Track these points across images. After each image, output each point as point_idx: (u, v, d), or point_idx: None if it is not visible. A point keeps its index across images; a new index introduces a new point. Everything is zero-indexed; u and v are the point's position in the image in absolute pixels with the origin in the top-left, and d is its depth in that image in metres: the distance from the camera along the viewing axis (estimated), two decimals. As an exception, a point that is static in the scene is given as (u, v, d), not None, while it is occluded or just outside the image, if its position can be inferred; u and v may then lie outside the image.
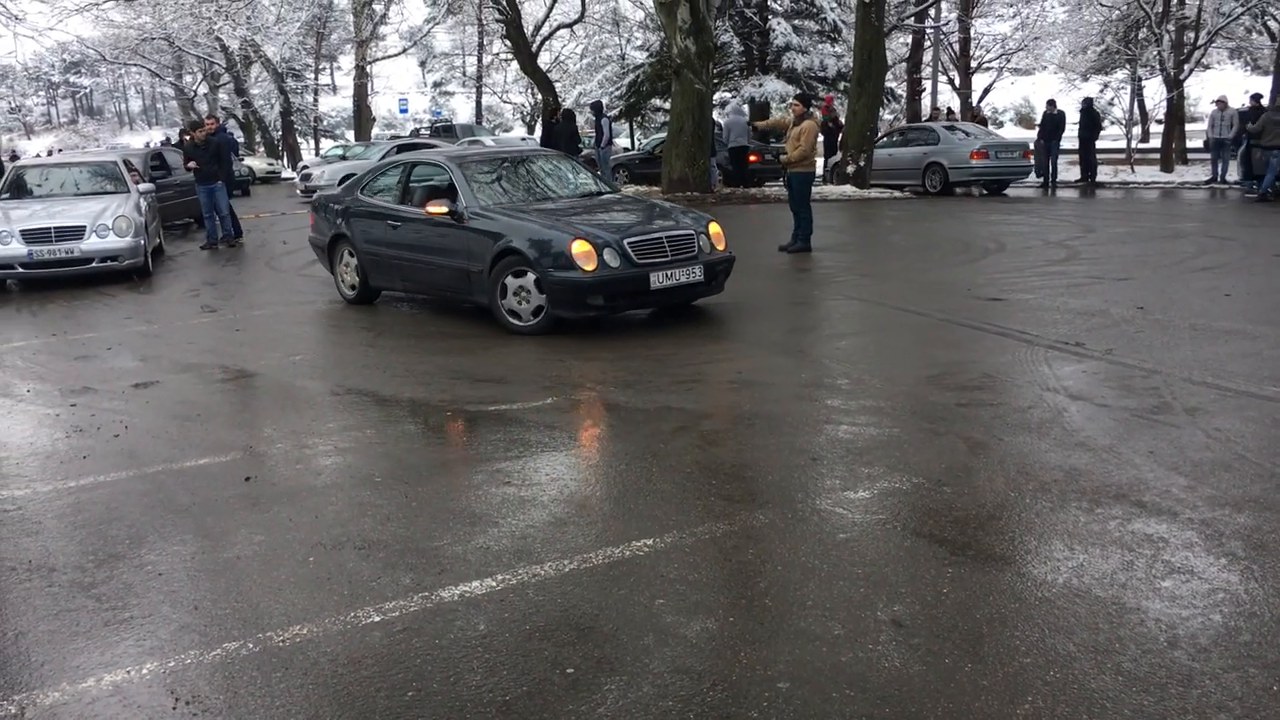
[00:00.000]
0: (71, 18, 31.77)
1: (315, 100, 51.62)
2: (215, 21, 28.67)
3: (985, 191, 22.33)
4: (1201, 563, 3.82)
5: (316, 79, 53.10)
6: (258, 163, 35.88)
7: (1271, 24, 32.30)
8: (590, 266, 8.10)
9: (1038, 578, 3.77)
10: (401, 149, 26.49)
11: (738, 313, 9.02)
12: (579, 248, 8.11)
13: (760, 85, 30.67)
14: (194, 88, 47.87)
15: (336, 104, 57.56)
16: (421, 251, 9.32)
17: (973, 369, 6.85)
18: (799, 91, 26.43)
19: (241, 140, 36.38)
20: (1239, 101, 23.46)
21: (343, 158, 28.13)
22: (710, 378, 6.96)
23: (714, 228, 8.94)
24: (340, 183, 23.84)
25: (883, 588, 3.75)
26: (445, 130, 43.06)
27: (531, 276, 8.34)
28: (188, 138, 16.68)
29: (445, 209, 8.84)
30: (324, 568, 4.14)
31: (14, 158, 27.91)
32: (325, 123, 54.95)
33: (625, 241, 8.24)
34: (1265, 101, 22.50)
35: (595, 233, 8.28)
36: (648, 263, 8.29)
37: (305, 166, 29.21)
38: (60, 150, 27.31)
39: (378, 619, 3.68)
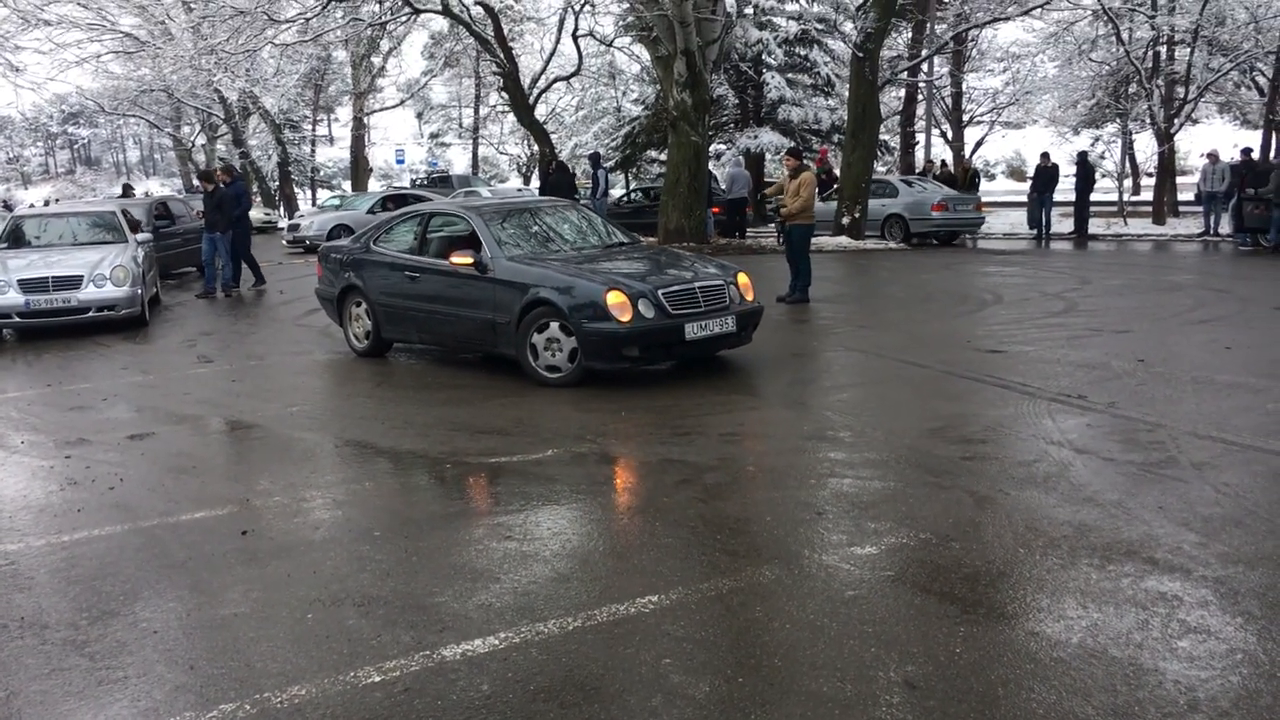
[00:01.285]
0: (71, 69, 32.02)
1: (313, 151, 51.91)
2: (214, 73, 28.85)
3: (936, 242, 22.69)
4: (1217, 622, 3.76)
5: (314, 130, 53.44)
6: (255, 213, 35.96)
7: (1260, 79, 32.67)
8: (626, 317, 7.98)
9: (1051, 637, 3.70)
10: (386, 200, 26.67)
11: (737, 364, 8.98)
12: (614, 298, 8.00)
13: (756, 137, 30.91)
14: (192, 138, 48.15)
15: (334, 155, 57.94)
16: (442, 303, 9.17)
17: (975, 422, 6.81)
18: (792, 144, 26.67)
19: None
20: (1229, 155, 23.64)
21: (336, 208, 28.22)
22: (711, 430, 6.91)
23: (742, 278, 8.90)
24: (329, 234, 24.01)
25: (894, 647, 3.67)
26: (442, 181, 43.32)
27: (563, 327, 8.23)
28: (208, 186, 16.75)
29: (470, 259, 8.71)
30: (323, 625, 4.06)
31: (8, 207, 27.96)
32: (322, 173, 55.23)
33: (660, 292, 8.15)
34: (1255, 155, 22.70)
35: (629, 283, 8.19)
36: (682, 313, 8.20)
37: (300, 215, 29.36)
38: (57, 200, 27.37)
39: (378, 679, 3.60)
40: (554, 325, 8.28)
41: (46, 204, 28.34)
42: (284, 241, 27.37)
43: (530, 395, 8.10)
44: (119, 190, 27.00)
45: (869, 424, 6.88)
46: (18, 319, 12.23)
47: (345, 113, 51.08)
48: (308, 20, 25.64)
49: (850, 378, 8.73)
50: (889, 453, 6.15)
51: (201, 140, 45.91)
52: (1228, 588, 4.04)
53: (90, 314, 12.37)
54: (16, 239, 14.05)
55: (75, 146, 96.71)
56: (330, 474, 6.28)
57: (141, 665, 3.78)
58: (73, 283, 12.37)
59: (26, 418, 8.10)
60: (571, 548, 4.86)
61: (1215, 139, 35.63)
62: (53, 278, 12.37)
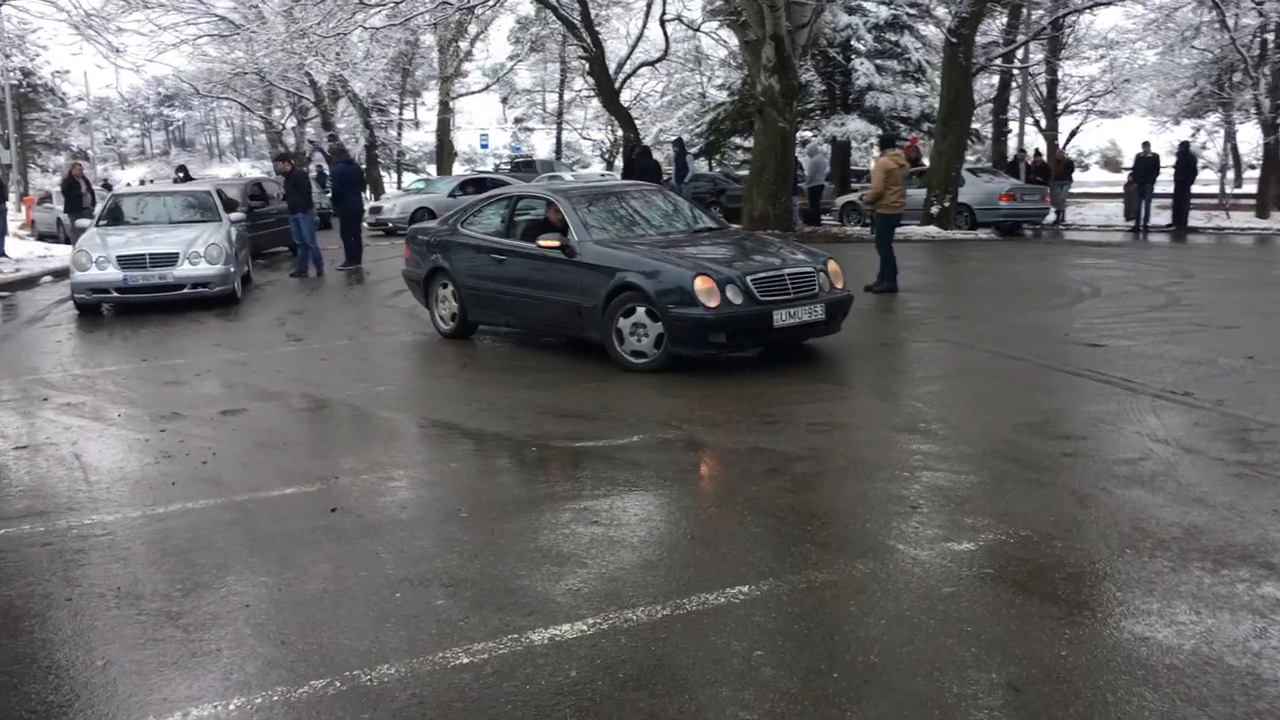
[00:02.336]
0: (169, 51, 32.80)
1: (399, 135, 52.57)
2: (305, 57, 29.25)
3: (996, 235, 22.12)
4: (1343, 633, 3.56)
5: (401, 114, 54.11)
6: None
7: (1374, 68, 31.31)
8: (713, 303, 7.87)
9: (1163, 643, 3.53)
10: (467, 184, 26.87)
11: (825, 353, 8.83)
12: (701, 284, 7.88)
13: (843, 125, 30.46)
14: (282, 121, 49.02)
15: (420, 139, 58.47)
16: (529, 286, 9.14)
17: (1075, 417, 6.59)
18: (881, 132, 26.25)
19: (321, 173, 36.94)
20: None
21: (419, 192, 28.49)
22: (800, 419, 6.78)
23: (832, 265, 8.71)
24: (412, 217, 24.23)
25: (995, 648, 3.54)
26: (525, 165, 43.49)
27: (649, 312, 8.13)
28: (288, 167, 17.21)
29: (557, 242, 8.67)
30: (411, 605, 4.04)
31: (108, 186, 28.70)
32: (408, 157, 55.87)
33: (748, 278, 8.01)
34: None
35: (717, 269, 8.07)
36: (770, 300, 8.05)
37: (383, 198, 29.63)
38: (152, 180, 28.04)
39: (466, 661, 3.57)
40: (640, 310, 8.18)
41: (142, 183, 29.06)
42: (365, 224, 27.53)
43: (615, 380, 8.05)
44: (176, 173, 27.42)
45: (962, 417, 6.70)
46: (116, 294, 12.54)
47: (431, 97, 51.57)
48: (397, 4, 25.88)
49: (941, 369, 8.53)
50: (984, 446, 5.98)
51: (292, 123, 46.70)
52: (1353, 597, 3.83)
53: (185, 290, 12.65)
54: (115, 217, 14.39)
55: (171, 128, 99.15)
56: (416, 454, 6.30)
57: (234, 638, 3.80)
58: (169, 260, 12.65)
59: (123, 391, 8.27)
60: (659, 535, 4.79)
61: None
62: (150, 254, 12.66)
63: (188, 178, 25.54)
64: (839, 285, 8.65)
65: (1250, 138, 30.99)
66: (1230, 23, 25.98)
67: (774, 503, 5.13)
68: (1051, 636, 3.61)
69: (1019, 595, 3.96)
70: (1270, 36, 26.21)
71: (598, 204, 9.34)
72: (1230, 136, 30.45)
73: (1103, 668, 3.39)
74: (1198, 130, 35.11)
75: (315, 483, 5.68)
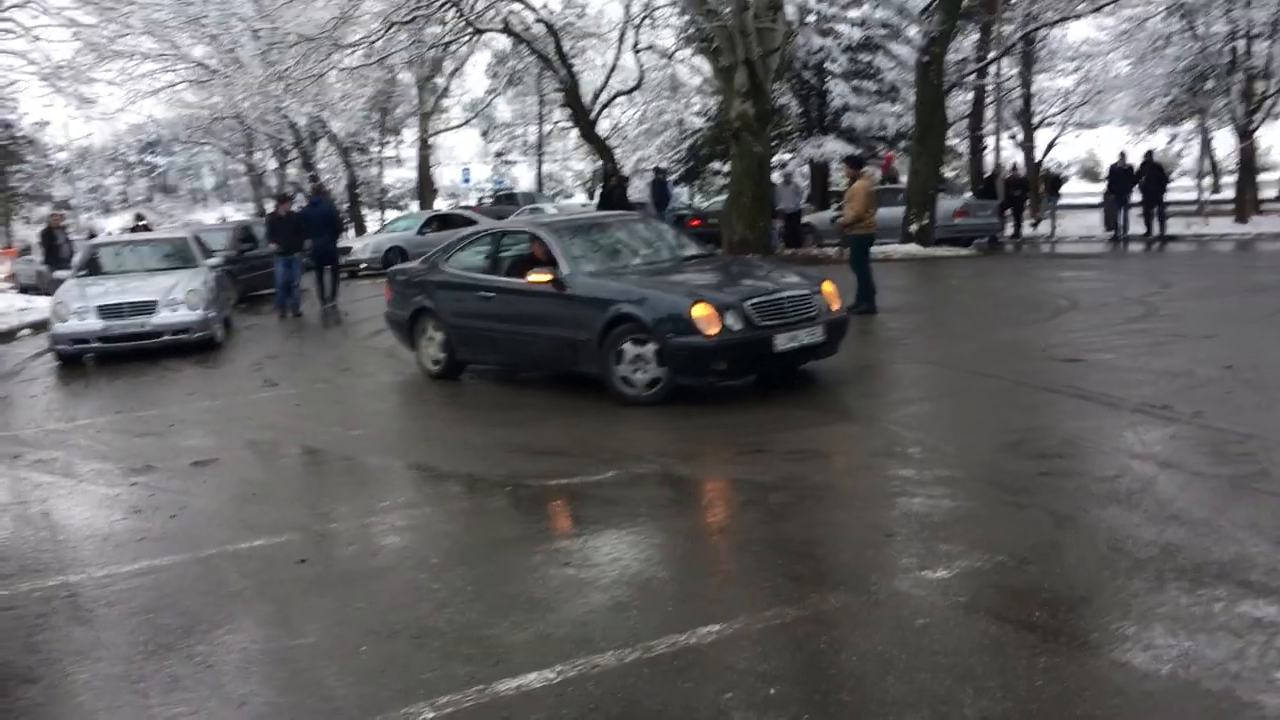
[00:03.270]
0: (146, 99, 32.74)
1: (380, 172, 52.57)
2: (283, 99, 29.28)
3: (977, 251, 22.39)
4: (1321, 651, 3.50)
5: (381, 151, 54.11)
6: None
7: (1344, 70, 31.58)
8: (713, 330, 7.69)
9: (1140, 668, 3.47)
10: (433, 220, 27.04)
11: (801, 378, 8.77)
12: (700, 311, 7.71)
13: (820, 146, 30.58)
14: (263, 164, 49.03)
15: (401, 175, 58.48)
16: (519, 323, 8.91)
17: (1053, 435, 6.54)
18: (854, 152, 26.36)
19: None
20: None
21: (388, 230, 28.36)
22: (776, 448, 6.72)
23: (827, 286, 8.58)
24: (385, 256, 24.24)
25: (969, 680, 3.47)
26: (507, 198, 43.54)
27: (649, 343, 7.91)
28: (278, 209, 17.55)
29: (547, 277, 8.45)
30: (378, 658, 3.96)
31: (91, 235, 28.65)
32: (390, 194, 55.90)
33: (746, 303, 7.87)
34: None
35: (715, 295, 7.95)
36: (770, 325, 7.91)
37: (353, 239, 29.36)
38: (143, 220, 28.08)
39: (431, 715, 3.49)
40: (638, 341, 8.00)
41: (138, 220, 28.98)
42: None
43: (591, 415, 7.98)
44: (134, 221, 27.27)
45: (940, 439, 6.65)
46: (97, 344, 12.50)
47: (411, 134, 51.57)
48: (372, 44, 25.92)
49: (920, 391, 8.48)
50: (962, 470, 5.92)
51: (273, 165, 46.71)
52: (1331, 613, 3.77)
53: (165, 337, 12.64)
54: (93, 267, 14.33)
55: (153, 175, 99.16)
56: (390, 499, 6.22)
57: (194, 702, 3.71)
58: (147, 308, 12.64)
59: (95, 445, 8.18)
60: (631, 574, 4.72)
61: (1298, 133, 34.49)
62: (129, 303, 12.66)
63: (145, 227, 25.62)
64: (835, 306, 8.55)
65: (1226, 144, 31.14)
66: (1200, 31, 26.20)
67: (749, 536, 5.06)
68: (1027, 666, 3.54)
69: (994, 624, 3.89)
70: (1241, 44, 26.40)
71: (583, 236, 9.20)
72: (1206, 143, 30.60)
73: (1078, 697, 3.32)
74: (1174, 138, 35.33)
75: (286, 533, 5.59)
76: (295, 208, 18.35)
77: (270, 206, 30.85)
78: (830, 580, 4.43)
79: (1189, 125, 33.64)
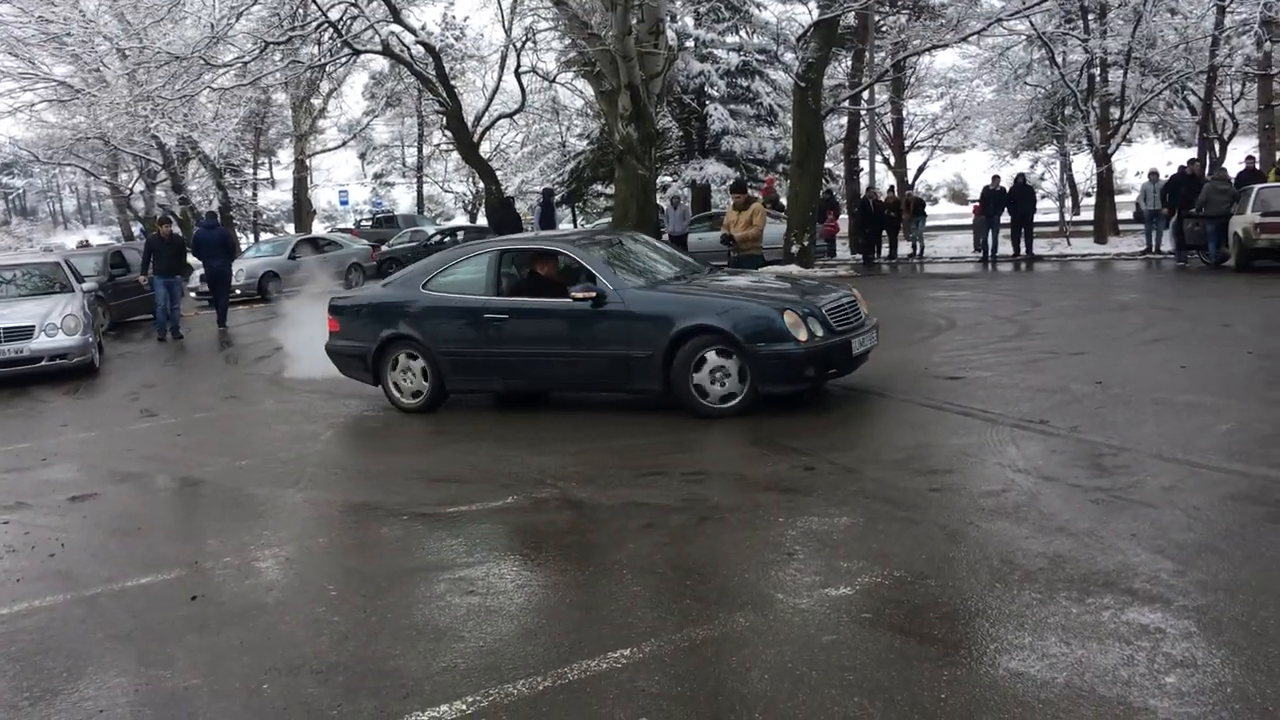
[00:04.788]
0: (4, 118, 31.50)
1: (254, 195, 51.32)
2: (151, 120, 28.39)
3: (854, 270, 23.21)
4: (1203, 655, 3.68)
5: (255, 173, 52.85)
6: (193, 259, 35.57)
7: (1191, 99, 33.36)
8: (803, 337, 7.87)
9: (1038, 678, 3.59)
10: (302, 243, 26.76)
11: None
12: (790, 319, 7.87)
13: (701, 169, 31.02)
14: (130, 186, 47.40)
15: (276, 198, 57.18)
16: (547, 344, 8.62)
17: (940, 452, 6.74)
18: (737, 177, 26.81)
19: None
20: (1169, 174, 24.00)
21: (256, 255, 27.59)
22: (673, 469, 6.77)
23: (857, 293, 9.01)
24: (259, 282, 23.80)
25: (877, 695, 3.55)
26: (387, 221, 43.00)
27: (727, 353, 7.98)
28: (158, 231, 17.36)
29: (593, 294, 8.22)
30: (280, 696, 3.86)
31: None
32: (265, 216, 54.58)
33: (823, 309, 8.15)
34: (1196, 169, 23.05)
35: (797, 303, 8.13)
36: (845, 329, 8.23)
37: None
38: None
39: (340, 753, 3.41)
40: (722, 353, 8.00)
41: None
42: (193, 294, 22.88)
43: (485, 440, 7.93)
44: None
45: (833, 457, 6.78)
46: (-30, 373, 12.01)
47: (287, 155, 50.55)
48: (245, 64, 25.39)
49: (810, 410, 8.63)
50: (855, 486, 6.06)
51: (140, 187, 45.18)
52: (1210, 617, 3.96)
53: (43, 363, 12.36)
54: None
55: (9, 197, 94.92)
56: (281, 530, 6.07)
57: (86, 749, 3.56)
58: (24, 333, 12.36)
59: (-39, 482, 7.79)
60: (538, 601, 4.70)
61: (1151, 158, 36.26)
62: (4, 329, 12.26)
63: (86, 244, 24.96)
64: (866, 312, 8.91)
65: (1085, 167, 32.56)
66: (1059, 59, 27.38)
67: (652, 558, 5.08)
68: (931, 679, 3.63)
69: (897, 638, 3.99)
70: (1097, 72, 27.68)
71: (606, 251, 9.02)
72: (1066, 167, 31.96)
73: (981, 707, 3.43)
74: (1035, 162, 36.83)
75: (174, 569, 5.41)
76: (176, 230, 18.20)
77: (137, 230, 29.89)
78: (736, 600, 4.48)
79: (1050, 150, 35.12)
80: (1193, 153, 29.20)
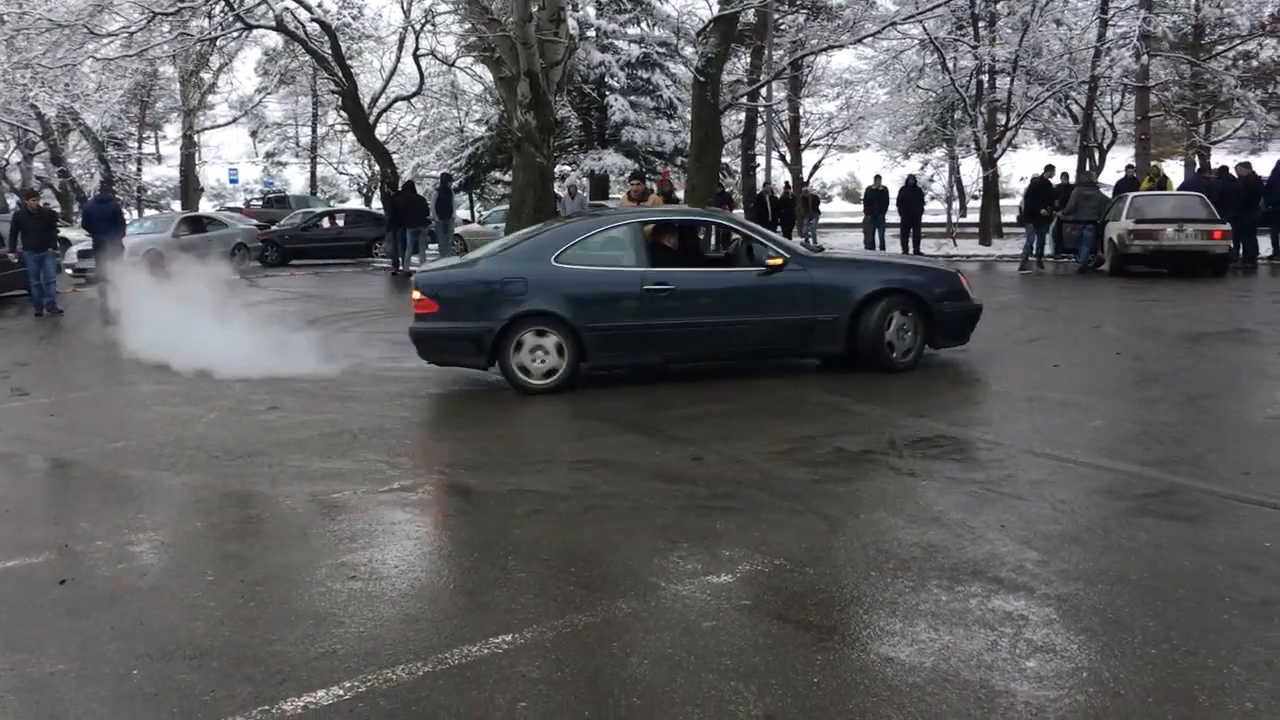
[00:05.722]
0: None
1: (139, 170, 49.71)
2: (30, 89, 27.30)
3: None
4: (1062, 640, 3.85)
5: (140, 148, 51.18)
6: (73, 233, 34.24)
7: (1074, 107, 34.57)
8: (976, 298, 9.38)
9: (906, 662, 3.72)
10: (184, 220, 26.01)
11: (585, 390, 8.90)
12: (965, 280, 9.38)
13: (600, 159, 31.07)
14: (5, 156, 45.47)
15: (162, 173, 55.40)
16: (718, 313, 8.88)
17: (823, 444, 6.88)
18: (636, 167, 26.93)
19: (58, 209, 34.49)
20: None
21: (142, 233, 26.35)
22: (562, 458, 6.80)
23: None
24: (145, 257, 22.93)
25: (752, 679, 3.63)
26: (279, 201, 42.06)
27: (913, 313, 8.98)
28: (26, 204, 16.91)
29: (782, 260, 8.88)
30: (151, 681, 3.78)
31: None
32: (150, 193, 52.87)
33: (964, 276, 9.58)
34: (1065, 174, 23.88)
35: (958, 269, 9.90)
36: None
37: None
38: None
39: (212, 739, 3.36)
40: (900, 313, 8.94)
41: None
42: (68, 271, 22.33)
43: (374, 422, 7.83)
44: None
45: (718, 447, 6.88)
46: None
47: (174, 130, 49.05)
48: (132, 35, 24.56)
49: (697, 401, 8.72)
50: (741, 477, 6.16)
51: (17, 158, 43.37)
52: (1070, 605, 4.15)
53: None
54: None
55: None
56: (157, 514, 5.92)
57: (-57, 737, 3.44)
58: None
59: None
60: (420, 586, 4.68)
61: (1035, 163, 37.46)
62: None
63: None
64: None
65: (972, 171, 33.51)
66: (950, 65, 28.10)
67: (538, 545, 5.10)
68: (805, 664, 3.73)
69: (775, 624, 4.08)
70: (985, 78, 28.48)
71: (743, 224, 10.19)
72: (955, 170, 32.85)
73: (853, 691, 3.53)
74: (925, 164, 37.76)
75: (43, 553, 5.24)
76: (44, 202, 17.71)
77: (13, 202, 28.73)
78: (620, 587, 4.53)
79: (939, 152, 36.06)
80: (1073, 160, 30.29)
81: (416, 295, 8.97)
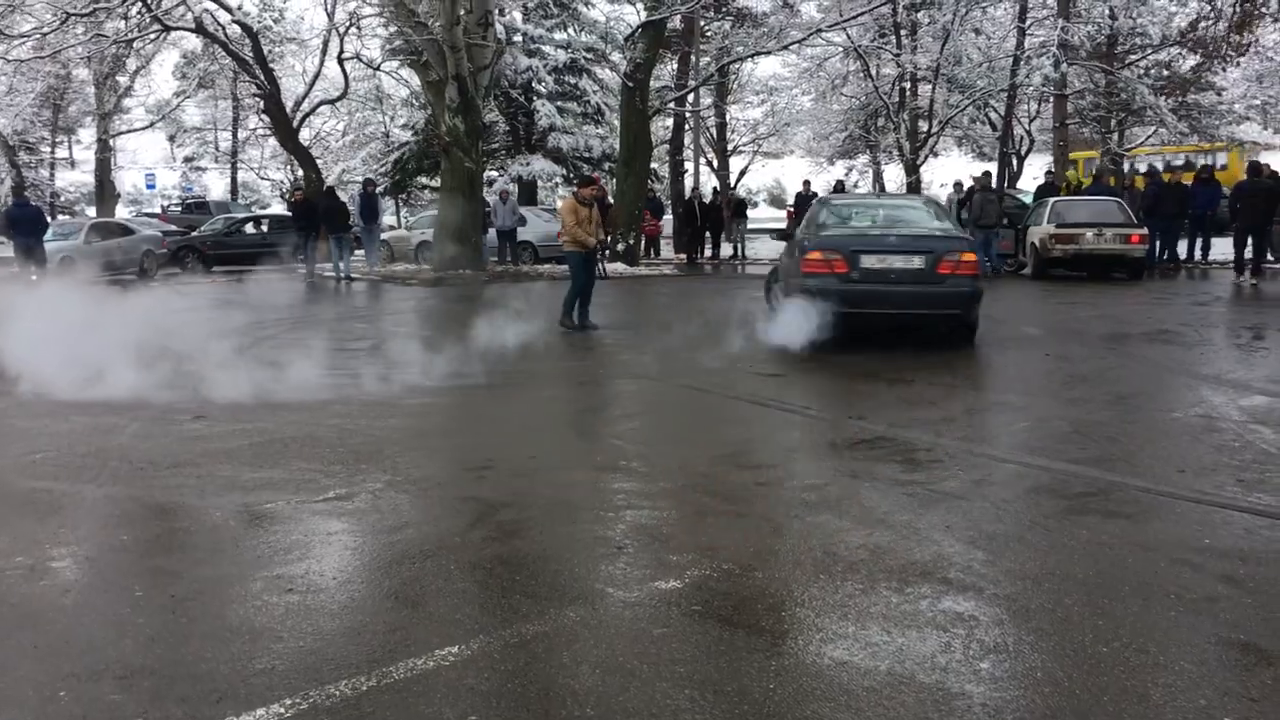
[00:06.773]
0: None
1: (52, 175, 48.39)
2: (-64, 89, 26.43)
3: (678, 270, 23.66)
4: (1014, 641, 3.85)
5: (53, 152, 49.84)
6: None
7: (993, 115, 35.23)
8: None
9: (861, 666, 3.68)
10: (94, 227, 25.28)
11: (522, 393, 8.79)
12: None
13: (528, 164, 30.91)
14: (-89, 158, 43.93)
15: (76, 179, 53.96)
16: None
17: (764, 447, 6.87)
18: (563, 173, 26.85)
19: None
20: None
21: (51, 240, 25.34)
22: (503, 463, 6.68)
23: None
24: (59, 264, 22.11)
25: (707, 687, 3.57)
26: (199, 206, 41.20)
27: None
28: None
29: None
30: (79, 704, 3.60)
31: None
32: (64, 199, 51.45)
33: None
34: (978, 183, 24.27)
35: None
36: None
37: None
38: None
39: (147, 763, 3.20)
40: None
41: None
42: None
43: (302, 432, 7.63)
44: None
45: (661, 452, 6.83)
46: None
47: (88, 134, 47.82)
48: (44, 36, 23.87)
49: (637, 405, 8.69)
50: (683, 481, 6.11)
51: (-78, 161, 41.92)
52: (1019, 605, 4.15)
53: None
54: None
55: None
56: (81, 528, 5.68)
57: None
58: None
59: None
60: (361, 598, 4.54)
61: (956, 170, 38.11)
62: None
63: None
64: None
65: (896, 176, 34.00)
66: (873, 72, 28.48)
67: (481, 553, 4.99)
68: (759, 670, 3.68)
69: (726, 630, 4.02)
70: (908, 86, 28.91)
71: None
72: (878, 175, 33.29)
73: (808, 697, 3.49)
74: (850, 170, 38.22)
75: (-43, 571, 4.99)
76: None
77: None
78: (567, 595, 4.44)
79: (863, 158, 36.54)
80: (993, 165, 30.81)
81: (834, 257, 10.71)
